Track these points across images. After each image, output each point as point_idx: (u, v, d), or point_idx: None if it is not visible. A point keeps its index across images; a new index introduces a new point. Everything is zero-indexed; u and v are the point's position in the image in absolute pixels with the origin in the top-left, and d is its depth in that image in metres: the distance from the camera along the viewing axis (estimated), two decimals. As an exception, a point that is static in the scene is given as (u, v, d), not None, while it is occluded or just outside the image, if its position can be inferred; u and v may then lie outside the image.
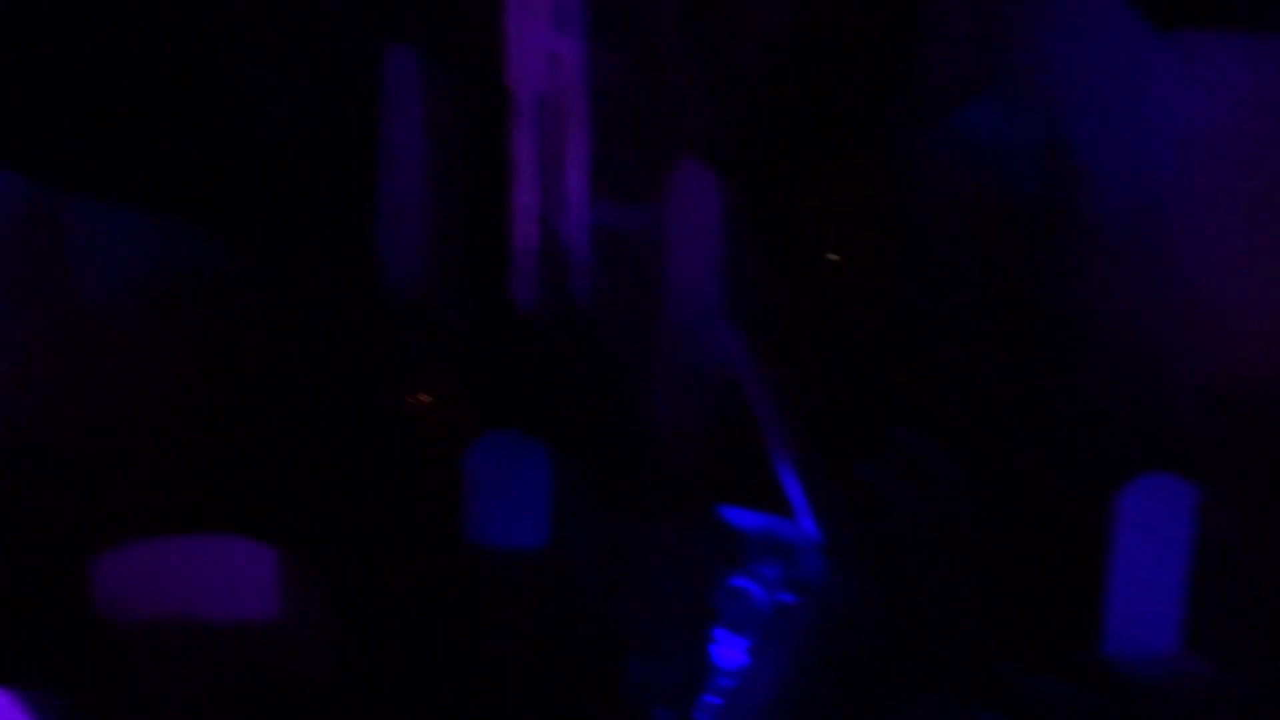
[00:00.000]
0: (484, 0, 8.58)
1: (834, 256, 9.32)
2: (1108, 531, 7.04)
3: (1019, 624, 7.52)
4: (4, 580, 7.19)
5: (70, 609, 6.87)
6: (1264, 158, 8.65)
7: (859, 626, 7.48)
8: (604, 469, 7.84)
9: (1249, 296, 8.69)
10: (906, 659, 7.27)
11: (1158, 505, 7.04)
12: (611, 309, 8.29)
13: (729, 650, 7.16)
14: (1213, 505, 7.14)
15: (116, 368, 7.67)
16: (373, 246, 8.59)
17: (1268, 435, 8.13)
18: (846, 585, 7.51)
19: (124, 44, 9.36)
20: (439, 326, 8.45)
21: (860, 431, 8.20)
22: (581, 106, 8.45)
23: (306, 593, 6.82)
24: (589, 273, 8.29)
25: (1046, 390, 8.51)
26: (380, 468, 8.02)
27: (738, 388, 7.85)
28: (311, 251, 8.85)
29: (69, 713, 6.41)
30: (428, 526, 7.63)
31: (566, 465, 7.40)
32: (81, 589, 6.83)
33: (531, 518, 7.15)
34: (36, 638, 7.03)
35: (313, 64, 9.55)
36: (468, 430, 7.60)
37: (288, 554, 6.72)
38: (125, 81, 9.31)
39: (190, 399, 7.88)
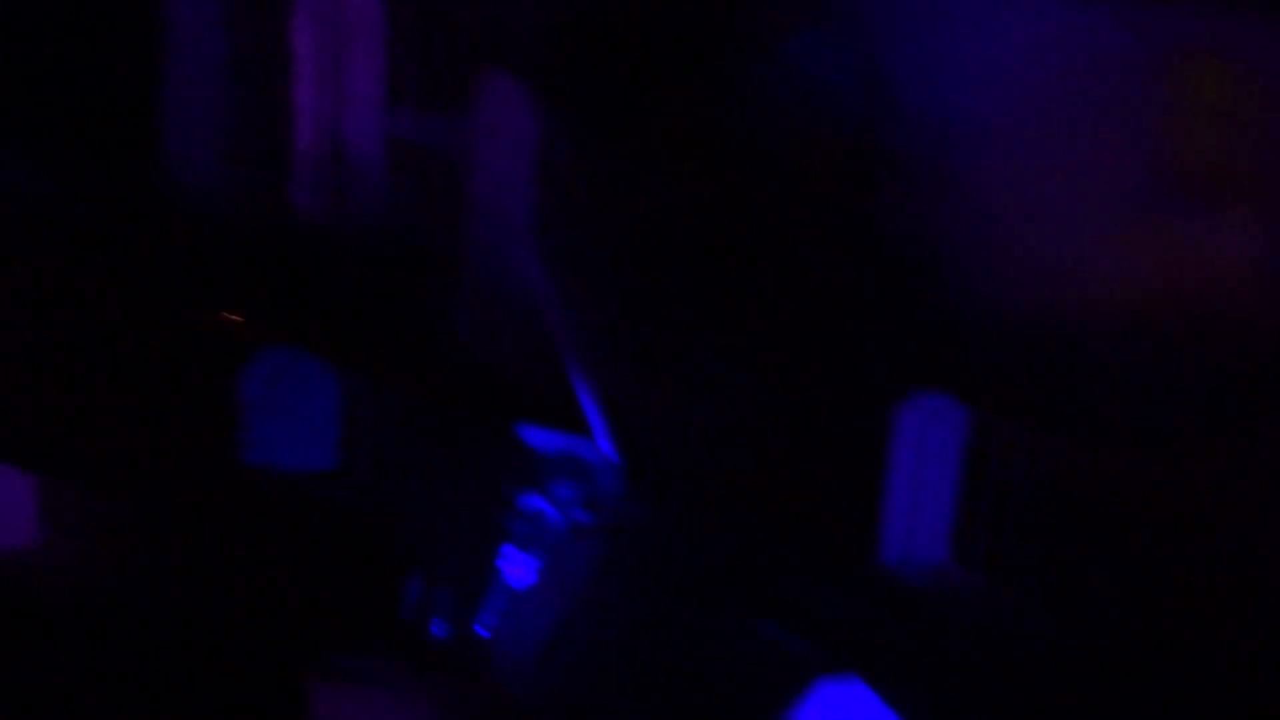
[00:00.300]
0: None
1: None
2: (888, 449, 7.24)
3: (802, 537, 7.68)
4: None
5: None
6: (1063, 99, 8.91)
7: (652, 546, 7.56)
8: (398, 387, 7.72)
9: (1038, 232, 8.93)
10: (696, 575, 7.36)
11: (932, 425, 7.25)
12: (409, 223, 8.08)
13: (517, 569, 7.17)
14: (985, 426, 7.38)
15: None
16: (157, 150, 8.23)
17: (1047, 365, 8.39)
18: (641, 505, 7.57)
19: None
20: (227, 236, 8.16)
21: (665, 353, 8.22)
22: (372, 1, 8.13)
23: (69, 518, 6.62)
24: (380, 183, 8.04)
25: (841, 313, 8.63)
26: (153, 386, 7.77)
27: (539, 308, 7.79)
28: (89, 154, 8.46)
29: None
30: (205, 448, 7.45)
31: (355, 384, 7.28)
32: None
33: (317, 439, 7.04)
34: None
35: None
36: (249, 347, 7.41)
37: (49, 479, 6.50)
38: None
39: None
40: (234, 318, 7.82)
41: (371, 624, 7.31)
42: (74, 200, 8.18)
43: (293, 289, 8.09)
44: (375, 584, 7.33)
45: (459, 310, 7.89)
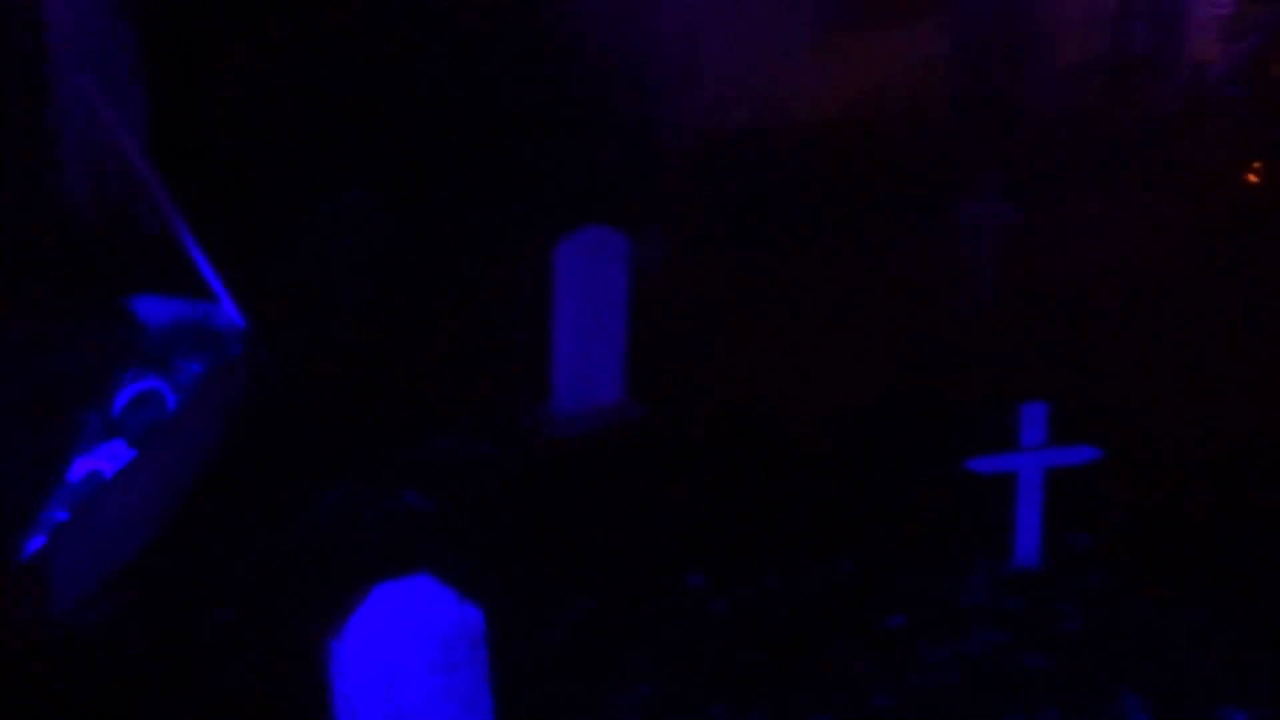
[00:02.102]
0: None
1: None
2: (549, 287, 6.76)
3: (457, 390, 7.12)
4: None
5: None
6: None
7: (277, 407, 6.76)
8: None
9: (720, 47, 8.86)
10: (325, 440, 6.62)
11: (594, 257, 6.81)
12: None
13: (112, 460, 6.12)
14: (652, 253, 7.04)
15: None
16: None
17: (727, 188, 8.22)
18: (265, 366, 6.76)
19: None
20: None
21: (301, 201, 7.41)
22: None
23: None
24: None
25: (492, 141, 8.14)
26: None
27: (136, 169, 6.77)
28: None
29: None
30: None
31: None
32: None
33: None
34: None
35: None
36: None
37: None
38: None
39: None
40: None
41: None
42: None
43: None
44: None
45: (53, 173, 6.80)
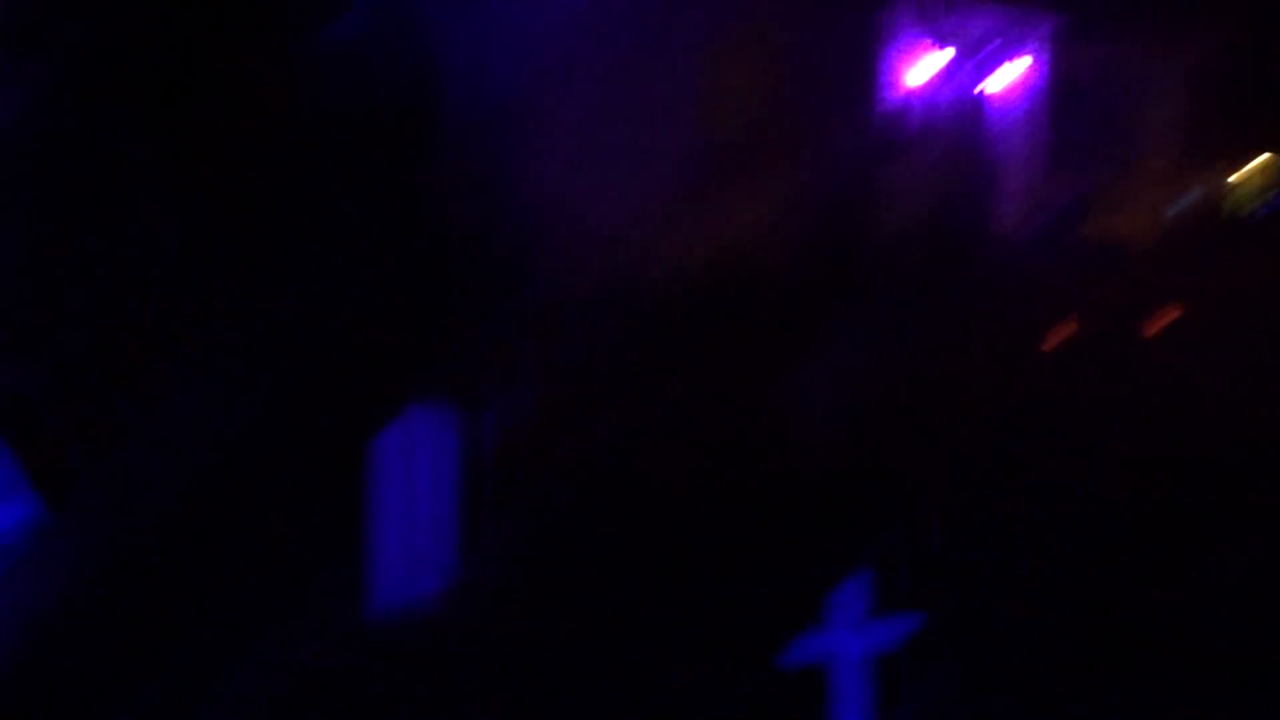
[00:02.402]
0: None
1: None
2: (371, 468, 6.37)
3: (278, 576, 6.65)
4: None
5: None
6: (609, 76, 8.98)
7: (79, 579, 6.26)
8: None
9: (591, 209, 8.84)
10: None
11: (420, 440, 6.45)
12: None
13: None
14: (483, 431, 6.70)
15: None
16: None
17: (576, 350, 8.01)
18: (60, 531, 6.28)
19: None
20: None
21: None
22: None
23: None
24: None
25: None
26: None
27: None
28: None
29: None
30: None
31: None
32: None
33: None
34: None
35: None
36: None
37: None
38: None
39: None
40: None
41: None
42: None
43: None
44: None
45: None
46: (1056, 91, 12.66)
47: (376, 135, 8.84)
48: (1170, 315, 9.58)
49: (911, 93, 11.63)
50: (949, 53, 12.09)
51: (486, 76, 8.69)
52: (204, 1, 8.97)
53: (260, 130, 8.59)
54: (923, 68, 11.86)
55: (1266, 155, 11.07)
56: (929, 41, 11.89)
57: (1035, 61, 13.10)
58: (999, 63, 12.79)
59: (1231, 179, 11.11)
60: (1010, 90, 12.78)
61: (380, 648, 6.26)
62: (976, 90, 12.50)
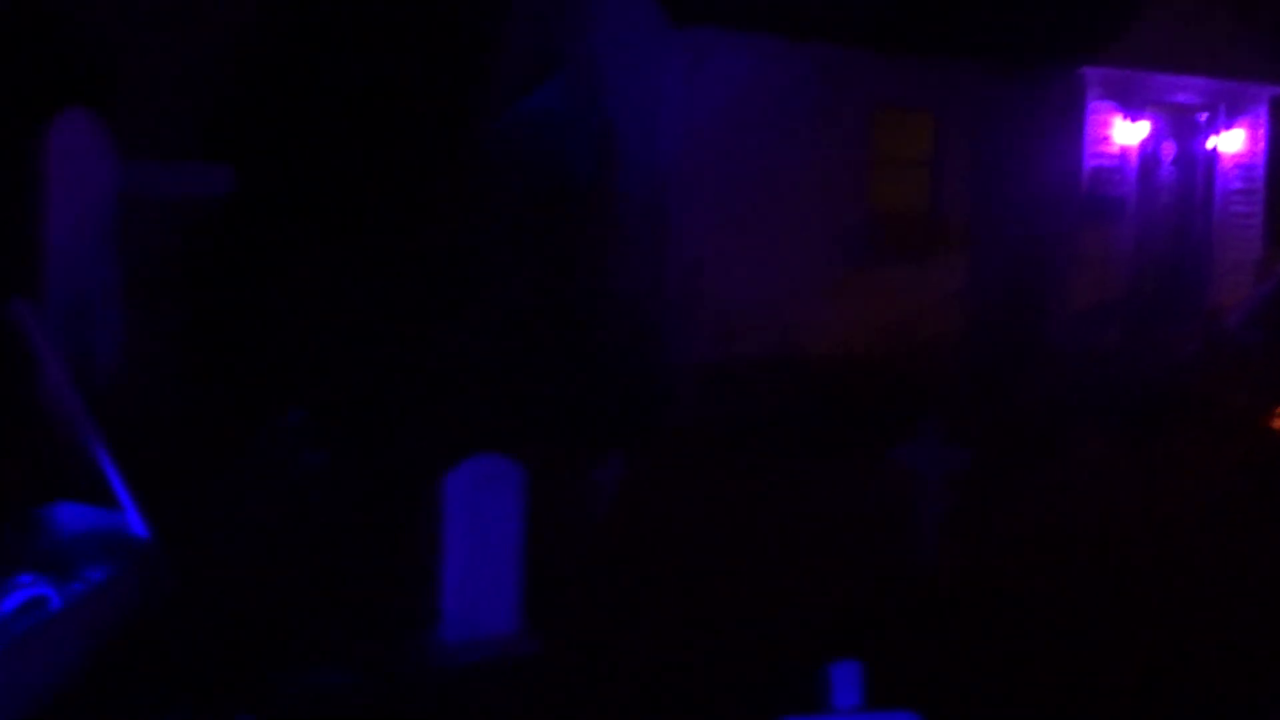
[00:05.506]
0: None
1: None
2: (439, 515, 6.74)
3: (352, 615, 7.08)
4: None
5: None
6: (770, 148, 9.40)
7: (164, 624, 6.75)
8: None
9: (734, 278, 9.29)
10: (192, 660, 6.55)
11: (487, 486, 6.78)
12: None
13: None
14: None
15: None
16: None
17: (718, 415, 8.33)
18: (159, 580, 6.81)
19: None
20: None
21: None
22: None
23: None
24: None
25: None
26: None
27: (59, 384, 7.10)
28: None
29: None
30: None
31: None
32: None
33: None
34: None
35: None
36: None
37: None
38: None
39: None
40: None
41: None
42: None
43: None
44: None
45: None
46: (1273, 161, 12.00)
47: (554, 203, 9.34)
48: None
49: (1114, 159, 11.29)
50: (1146, 125, 11.66)
51: (658, 151, 9.05)
52: (409, 83, 9.72)
53: (455, 197, 9.27)
54: (1126, 136, 11.48)
55: None
56: (1130, 113, 11.51)
57: (1250, 131, 12.47)
58: (1208, 134, 12.24)
59: None
60: (1222, 160, 12.17)
61: (437, 677, 6.53)
62: (1178, 158, 11.97)
